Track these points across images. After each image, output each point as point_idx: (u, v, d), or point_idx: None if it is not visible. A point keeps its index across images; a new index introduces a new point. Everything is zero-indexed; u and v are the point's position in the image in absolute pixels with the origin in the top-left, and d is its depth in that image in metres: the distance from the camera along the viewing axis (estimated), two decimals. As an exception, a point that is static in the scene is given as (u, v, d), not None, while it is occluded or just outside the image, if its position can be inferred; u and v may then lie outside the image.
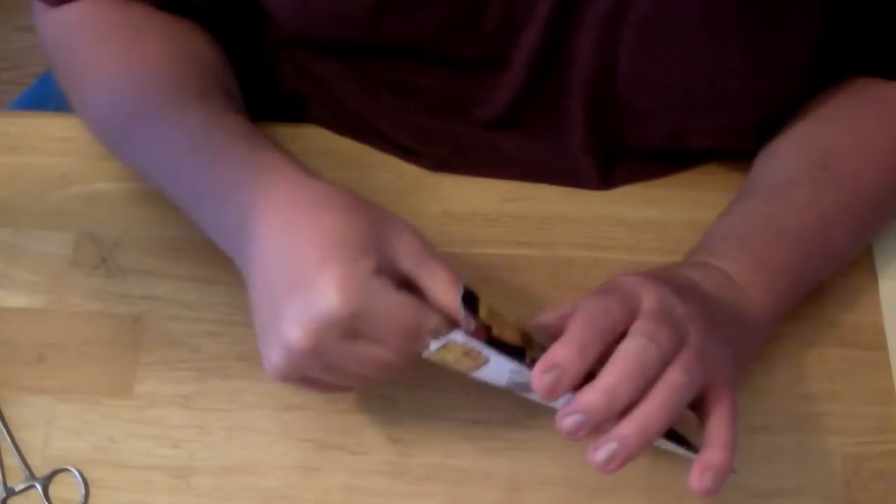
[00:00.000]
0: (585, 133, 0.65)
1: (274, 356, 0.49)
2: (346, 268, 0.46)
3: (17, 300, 0.65)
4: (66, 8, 0.63)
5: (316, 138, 0.71)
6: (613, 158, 0.68)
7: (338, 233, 0.47)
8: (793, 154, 0.63)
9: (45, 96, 0.90)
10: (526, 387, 0.50)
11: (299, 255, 0.47)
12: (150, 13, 0.63)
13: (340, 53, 0.65)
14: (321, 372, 0.50)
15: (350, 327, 0.47)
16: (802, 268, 0.59)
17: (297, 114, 0.73)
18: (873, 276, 0.66)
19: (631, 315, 0.48)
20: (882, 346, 0.64)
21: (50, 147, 0.70)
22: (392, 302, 0.47)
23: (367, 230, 0.48)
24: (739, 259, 0.58)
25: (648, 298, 0.49)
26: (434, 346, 0.49)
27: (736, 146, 0.67)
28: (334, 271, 0.46)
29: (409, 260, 0.49)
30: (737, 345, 0.53)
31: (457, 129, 0.67)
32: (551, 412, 0.49)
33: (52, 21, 0.64)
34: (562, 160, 0.67)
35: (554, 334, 0.49)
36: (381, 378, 0.51)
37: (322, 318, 0.46)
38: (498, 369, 0.50)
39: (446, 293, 0.49)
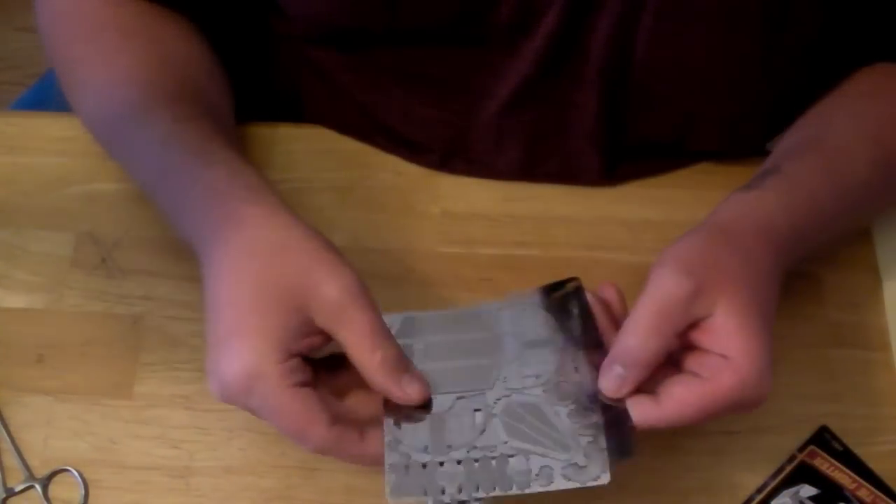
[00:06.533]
0: (594, 122, 0.65)
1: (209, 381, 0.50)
2: (249, 348, 0.47)
3: (17, 300, 0.65)
4: None
5: (316, 138, 0.71)
6: (617, 153, 0.68)
7: (253, 295, 0.48)
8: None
9: (45, 96, 0.90)
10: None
11: (220, 311, 0.49)
12: (139, 11, 0.63)
13: (349, 45, 0.65)
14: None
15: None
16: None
17: (298, 111, 0.73)
18: (877, 278, 0.66)
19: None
20: (884, 346, 0.64)
21: (50, 147, 0.70)
22: (280, 403, 0.47)
23: (281, 291, 0.48)
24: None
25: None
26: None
27: (739, 145, 0.67)
28: (236, 350, 0.47)
29: (323, 317, 0.48)
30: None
31: (464, 121, 0.67)
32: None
33: (46, 8, 0.64)
34: (565, 154, 0.67)
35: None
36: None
37: (221, 390, 0.48)
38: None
39: (361, 357, 0.49)
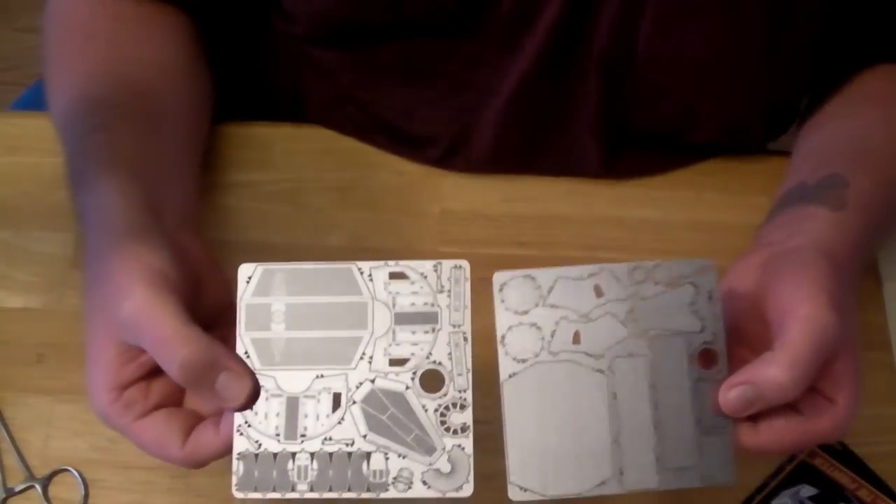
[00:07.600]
0: (595, 114, 0.65)
1: None
2: (91, 395, 0.47)
3: (16, 300, 0.65)
4: None
5: (316, 138, 0.71)
6: (618, 144, 0.68)
7: (88, 332, 0.47)
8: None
9: (46, 96, 0.90)
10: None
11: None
12: (119, 10, 0.62)
13: (351, 42, 0.65)
14: None
15: None
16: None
17: (298, 111, 0.73)
18: (877, 278, 0.66)
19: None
20: (884, 346, 0.64)
21: (50, 147, 0.70)
22: (132, 438, 0.47)
23: (98, 323, 0.47)
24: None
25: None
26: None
27: (741, 139, 0.67)
28: (89, 397, 0.47)
29: (130, 338, 0.46)
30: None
31: (466, 118, 0.67)
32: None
33: (47, 7, 0.64)
34: (566, 146, 0.67)
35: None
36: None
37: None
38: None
39: (166, 370, 0.45)
